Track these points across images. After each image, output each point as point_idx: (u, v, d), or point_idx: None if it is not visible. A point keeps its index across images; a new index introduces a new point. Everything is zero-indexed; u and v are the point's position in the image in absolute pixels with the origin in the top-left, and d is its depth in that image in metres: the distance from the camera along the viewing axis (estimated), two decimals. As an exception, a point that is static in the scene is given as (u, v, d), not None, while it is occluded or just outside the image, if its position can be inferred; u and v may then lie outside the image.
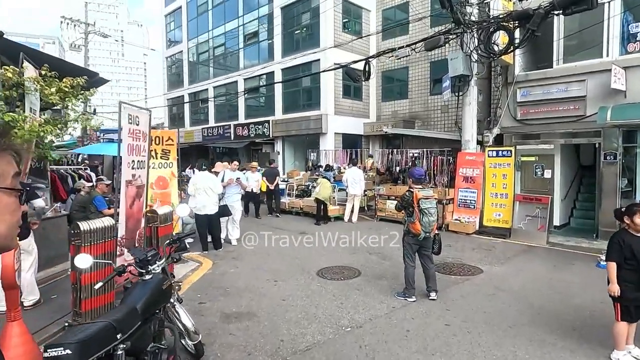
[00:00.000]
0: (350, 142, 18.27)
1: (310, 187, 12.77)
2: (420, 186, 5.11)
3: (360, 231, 9.64)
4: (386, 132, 14.92)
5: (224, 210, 7.38)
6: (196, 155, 27.96)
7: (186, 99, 27.49)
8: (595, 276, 6.11)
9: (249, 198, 11.59)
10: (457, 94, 10.00)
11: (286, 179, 16.98)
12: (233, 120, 22.89)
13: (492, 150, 9.64)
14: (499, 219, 9.42)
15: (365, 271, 6.37)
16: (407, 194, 5.02)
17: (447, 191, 9.75)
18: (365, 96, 20.04)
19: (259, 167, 18.21)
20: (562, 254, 7.69)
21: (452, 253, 7.68)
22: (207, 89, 25.24)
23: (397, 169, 11.01)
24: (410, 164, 10.73)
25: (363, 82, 19.81)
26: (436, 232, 5.09)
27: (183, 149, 26.96)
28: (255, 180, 10.98)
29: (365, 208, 12.65)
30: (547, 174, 9.71)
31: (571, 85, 9.22)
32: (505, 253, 7.70)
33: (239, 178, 8.19)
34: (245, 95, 22.57)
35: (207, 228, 7.35)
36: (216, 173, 8.21)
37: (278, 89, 20.24)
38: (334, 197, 11.82)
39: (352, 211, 11.03)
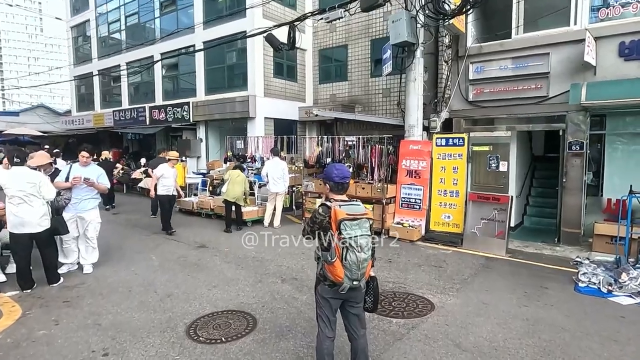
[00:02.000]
0: (284, 129, 15.96)
1: (218, 184, 10.35)
2: (342, 197, 2.98)
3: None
4: (316, 115, 12.83)
5: (57, 226, 4.83)
6: (109, 143, 24.18)
7: (96, 77, 23.49)
8: (581, 310, 4.45)
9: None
10: (399, 67, 8.08)
11: (206, 171, 14.36)
12: (149, 102, 19.61)
13: (441, 138, 7.86)
14: (448, 222, 7.71)
15: (265, 319, 4.21)
16: (320, 211, 2.91)
17: (388, 188, 7.87)
18: (300, 77, 17.78)
19: (182, 158, 15.45)
20: (526, 269, 6.07)
21: (393, 273, 5.77)
22: (119, 65, 21.54)
23: (328, 160, 9.00)
24: (343, 154, 8.73)
25: (298, 62, 17.68)
26: (371, 275, 3.01)
27: (90, 135, 23.16)
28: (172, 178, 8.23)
29: (294, 207, 10.50)
30: (503, 166, 8.14)
31: (532, 60, 7.63)
32: (460, 271, 5.92)
33: (87, 179, 5.40)
34: (163, 72, 19.38)
35: (30, 255, 4.76)
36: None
37: (200, 67, 17.35)
38: (252, 194, 9.55)
39: (273, 213, 8.85)
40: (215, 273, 5.68)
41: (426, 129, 8.46)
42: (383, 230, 7.82)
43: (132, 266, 5.93)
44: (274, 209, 8.83)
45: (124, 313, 4.29)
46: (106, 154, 12.88)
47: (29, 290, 4.78)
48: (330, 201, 2.85)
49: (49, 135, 24.78)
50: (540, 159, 10.34)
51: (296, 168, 11.02)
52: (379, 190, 7.88)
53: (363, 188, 8.12)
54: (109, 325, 4.00)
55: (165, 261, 6.22)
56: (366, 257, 2.73)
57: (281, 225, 8.83)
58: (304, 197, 9.10)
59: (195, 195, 11.75)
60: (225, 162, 12.47)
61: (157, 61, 16.86)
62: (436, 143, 7.80)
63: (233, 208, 8.49)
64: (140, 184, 13.34)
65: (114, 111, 21.32)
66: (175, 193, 8.35)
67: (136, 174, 14.27)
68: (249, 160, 12.07)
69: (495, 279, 5.64)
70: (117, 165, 13.96)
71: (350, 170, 8.71)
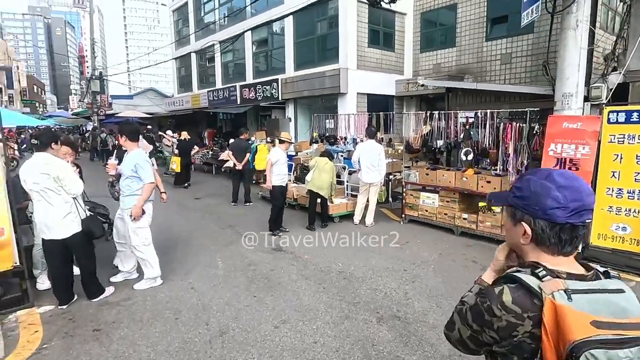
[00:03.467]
0: (378, 105, 14.05)
1: (304, 171, 8.95)
2: (568, 263, 1.02)
3: (373, 248, 5.85)
4: (421, 85, 10.65)
5: (91, 227, 3.78)
6: (205, 123, 24.74)
7: (193, 58, 23.97)
8: None
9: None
10: (551, 10, 5.66)
11: (293, 153, 13.23)
12: (240, 81, 19.17)
13: (618, 112, 5.31)
14: (623, 235, 5.26)
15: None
16: (505, 301, 0.98)
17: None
18: (398, 45, 15.56)
19: (267, 139, 14.63)
20: None
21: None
22: (212, 45, 21.49)
23: (439, 143, 6.97)
24: (461, 134, 6.59)
25: (396, 28, 15.44)
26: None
27: (187, 115, 23.83)
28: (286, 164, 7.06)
29: (390, 198, 8.71)
30: None
31: None
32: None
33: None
34: (254, 49, 18.68)
35: (65, 264, 3.81)
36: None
37: (289, 40, 16.16)
38: (339, 183, 8.01)
39: (366, 208, 7.21)
40: (288, 295, 4.26)
41: (585, 99, 5.93)
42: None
43: (192, 275, 4.80)
44: (367, 203, 7.18)
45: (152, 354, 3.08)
46: (185, 134, 12.45)
47: (64, 307, 3.87)
48: (535, 271, 1.04)
49: (154, 116, 26.24)
50: None
51: (393, 152, 9.17)
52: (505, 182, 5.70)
53: (488, 182, 6.01)
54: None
55: (231, 270, 5.00)
56: None
57: (374, 223, 7.15)
58: (404, 189, 7.26)
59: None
60: (311, 144, 11.07)
61: (247, 30, 15.90)
62: (608, 119, 5.28)
63: (318, 200, 7.03)
64: (226, 165, 12.72)
65: (208, 91, 21.46)
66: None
67: (223, 155, 13.75)
68: (339, 141, 10.52)
69: None
70: (195, 146, 13.59)
71: (470, 156, 6.62)
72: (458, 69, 14.08)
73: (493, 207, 5.97)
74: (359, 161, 7.05)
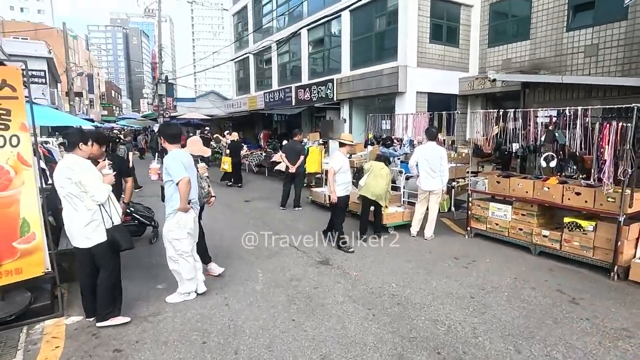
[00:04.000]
0: (440, 105, 12.99)
1: (357, 174, 8.28)
2: None
3: (434, 266, 5.09)
4: (493, 80, 9.57)
5: (116, 237, 3.42)
6: (261, 125, 24.96)
7: (251, 60, 24.30)
8: None
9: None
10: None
11: (348, 156, 12.61)
12: (295, 82, 18.98)
13: None
14: None
15: None
16: None
17: (631, 197, 4.57)
18: (463, 40, 14.38)
19: (320, 140, 14.21)
20: None
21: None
22: (269, 46, 21.59)
23: (515, 146, 5.95)
24: (542, 136, 5.54)
25: (461, 22, 14.26)
26: None
27: (244, 117, 24.14)
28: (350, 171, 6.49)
29: (453, 208, 7.80)
30: None
31: None
32: None
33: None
34: (309, 49, 18.38)
35: (91, 275, 3.53)
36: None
37: (346, 39, 15.61)
38: (394, 189, 7.30)
39: (425, 218, 6.42)
40: (332, 322, 3.67)
41: None
42: (615, 269, 4.61)
43: (229, 288, 4.39)
44: (426, 213, 6.40)
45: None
46: (235, 136, 12.36)
47: (91, 319, 3.61)
48: None
49: (214, 118, 27.01)
50: None
51: (457, 155, 8.26)
52: (610, 199, 4.64)
53: (577, 194, 4.98)
54: None
55: (271, 285, 4.52)
56: None
57: (434, 236, 6.34)
58: (469, 198, 6.36)
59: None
60: (365, 146, 10.39)
61: (303, 27, 15.52)
62: None
63: (371, 208, 6.38)
64: (278, 167, 12.46)
65: (264, 93, 21.56)
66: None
67: (276, 157, 13.53)
68: (395, 143, 9.74)
69: None
70: (244, 146, 13.57)
71: (553, 162, 5.59)
72: (532, 64, 12.66)
73: (583, 224, 4.93)
74: (417, 166, 6.31)
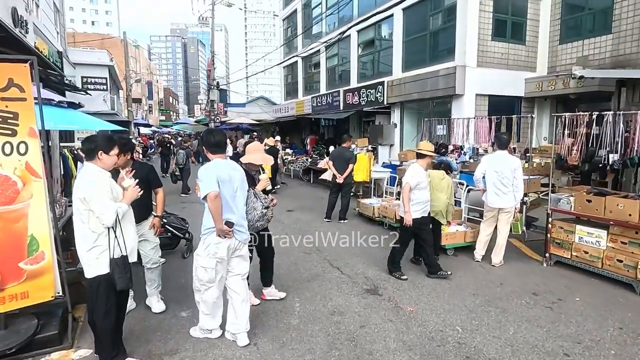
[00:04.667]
0: (502, 109, 11.72)
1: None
2: None
3: (508, 304, 4.13)
4: (580, 77, 8.29)
5: (114, 272, 2.71)
6: (308, 130, 24.55)
7: (299, 64, 24.02)
8: None
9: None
10: None
11: (397, 163, 11.73)
12: (344, 86, 18.33)
13: None
14: None
15: None
16: None
17: None
18: (531, 37, 12.97)
19: (368, 147, 13.42)
20: None
21: None
22: (318, 50, 21.14)
23: (612, 157, 4.83)
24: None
25: (528, 17, 12.87)
26: None
27: (292, 122, 23.83)
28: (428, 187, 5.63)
29: (524, 228, 6.69)
30: None
31: None
32: None
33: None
34: (359, 51, 17.66)
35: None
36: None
37: (398, 39, 14.73)
38: (455, 207, 6.36)
39: (491, 241, 5.44)
40: (381, 378, 2.91)
41: None
42: None
43: (259, 323, 3.74)
44: (494, 233, 5.42)
45: None
46: (272, 141, 11.91)
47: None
48: None
49: (262, 122, 27.04)
50: None
51: (529, 166, 7.11)
52: None
53: None
54: None
55: (309, 320, 3.82)
56: None
57: (503, 262, 5.34)
58: (549, 218, 5.29)
59: (380, 196, 9.26)
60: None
61: (352, 25, 14.80)
62: None
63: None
64: (323, 176, 11.82)
65: (312, 97, 21.12)
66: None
67: (322, 164, 12.92)
68: (455, 150, 8.76)
69: None
70: (280, 151, 13.19)
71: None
72: (614, 61, 11.06)
73: None
74: (483, 176, 5.36)
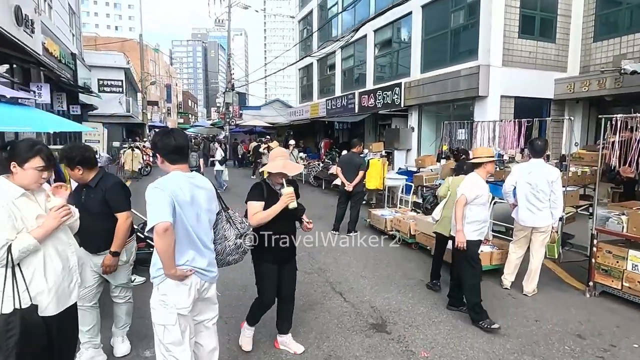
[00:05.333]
0: (529, 112, 10.73)
1: (428, 198, 6.57)
2: None
3: (547, 351, 3.32)
4: (632, 71, 7.36)
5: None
6: (322, 133, 23.88)
7: (314, 66, 23.43)
8: None
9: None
10: None
11: (414, 169, 10.92)
12: (360, 88, 17.61)
13: None
14: None
15: None
16: None
17: None
18: (561, 34, 11.98)
19: (382, 152, 12.63)
20: None
21: None
22: (334, 52, 20.50)
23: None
24: None
25: (559, 12, 11.89)
26: None
27: (306, 125, 23.20)
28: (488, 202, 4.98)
29: (560, 250, 5.80)
30: None
31: None
32: None
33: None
34: (376, 52, 16.92)
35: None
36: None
37: (416, 38, 13.94)
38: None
39: (521, 265, 4.62)
40: None
41: None
42: None
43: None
44: (525, 256, 4.60)
45: None
46: (275, 144, 11.25)
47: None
48: None
49: (275, 125, 26.54)
50: None
51: (564, 175, 6.23)
52: None
53: None
54: None
55: (299, 364, 3.12)
56: None
57: (537, 290, 4.51)
58: (594, 240, 4.45)
59: (394, 205, 8.48)
60: (439, 160, 8.65)
61: (367, 21, 14.03)
62: None
63: (449, 245, 4.75)
64: (336, 182, 11.11)
65: (327, 100, 20.46)
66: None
67: (333, 169, 12.22)
68: (455, 154, 7.89)
69: None
70: (304, 155, 12.43)
71: None
72: (657, 59, 10.01)
73: None
74: (513, 188, 4.56)
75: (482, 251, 5.06)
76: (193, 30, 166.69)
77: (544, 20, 11.85)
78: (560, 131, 11.75)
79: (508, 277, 4.67)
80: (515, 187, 4.49)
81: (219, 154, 12.95)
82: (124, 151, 15.07)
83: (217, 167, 12.77)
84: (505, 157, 6.71)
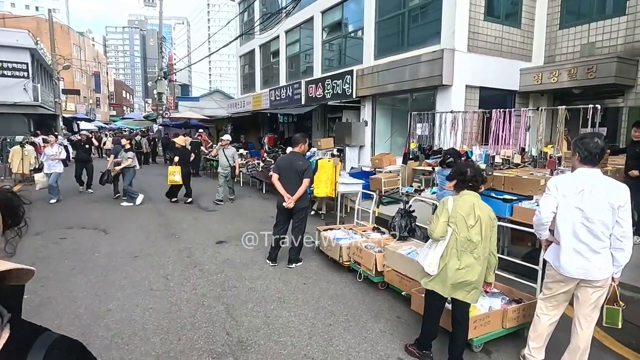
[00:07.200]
0: (493, 105, 9.35)
1: (398, 221, 4.67)
2: None
3: None
4: None
5: None
6: (266, 127, 21.68)
7: (257, 54, 21.11)
8: None
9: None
10: None
11: (369, 169, 9.19)
12: (306, 77, 15.65)
13: None
14: None
15: None
16: None
17: None
18: (527, 20, 10.82)
19: (333, 150, 10.79)
20: None
21: None
22: (278, 36, 18.37)
23: None
24: None
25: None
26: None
27: (248, 118, 20.87)
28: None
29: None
30: None
31: None
32: None
33: None
34: (324, 36, 15.03)
35: None
36: None
37: (370, 20, 12.22)
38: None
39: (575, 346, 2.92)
40: None
41: None
42: None
43: None
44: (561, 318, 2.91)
45: None
46: (183, 139, 9.36)
47: None
48: None
49: (214, 118, 23.88)
50: None
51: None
52: None
53: None
54: None
55: None
56: None
57: (584, 372, 2.84)
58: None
59: (349, 215, 6.61)
60: (405, 162, 6.88)
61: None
62: None
63: (447, 304, 2.92)
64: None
65: (270, 90, 18.26)
66: None
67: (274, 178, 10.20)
68: (450, 158, 6.24)
69: None
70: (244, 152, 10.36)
71: None
72: (629, 49, 9.09)
73: None
74: (553, 216, 2.79)
75: (490, 308, 3.30)
76: (130, 17, 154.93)
77: (509, 2, 10.62)
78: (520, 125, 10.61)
79: (535, 354, 2.94)
80: (556, 213, 2.73)
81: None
82: (12, 148, 11.95)
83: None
84: (498, 160, 5.09)
